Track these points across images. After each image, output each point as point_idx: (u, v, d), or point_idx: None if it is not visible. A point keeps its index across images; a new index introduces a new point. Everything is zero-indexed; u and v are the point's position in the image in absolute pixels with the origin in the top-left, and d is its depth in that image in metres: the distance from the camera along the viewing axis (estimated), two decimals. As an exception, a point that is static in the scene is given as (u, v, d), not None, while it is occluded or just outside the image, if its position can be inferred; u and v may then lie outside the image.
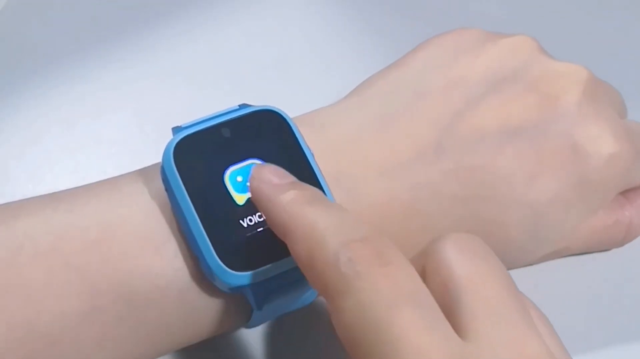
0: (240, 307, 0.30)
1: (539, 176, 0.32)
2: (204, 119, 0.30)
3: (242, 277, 0.28)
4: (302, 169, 0.29)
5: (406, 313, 0.23)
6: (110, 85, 0.42)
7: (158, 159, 0.30)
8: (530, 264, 0.36)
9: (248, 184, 0.28)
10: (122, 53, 0.43)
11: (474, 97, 0.33)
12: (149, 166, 0.31)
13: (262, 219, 0.29)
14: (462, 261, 0.25)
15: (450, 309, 0.25)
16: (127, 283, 0.28)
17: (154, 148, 0.30)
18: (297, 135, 0.30)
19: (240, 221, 0.29)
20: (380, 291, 0.23)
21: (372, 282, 0.24)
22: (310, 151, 0.30)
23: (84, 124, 0.41)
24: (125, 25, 0.44)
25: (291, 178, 0.27)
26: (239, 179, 0.29)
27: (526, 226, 0.33)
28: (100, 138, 0.40)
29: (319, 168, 0.30)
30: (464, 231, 0.32)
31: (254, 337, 0.34)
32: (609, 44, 0.45)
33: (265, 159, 0.30)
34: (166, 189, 0.29)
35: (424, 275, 0.26)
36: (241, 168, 0.29)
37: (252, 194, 0.27)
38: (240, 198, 0.29)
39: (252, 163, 0.29)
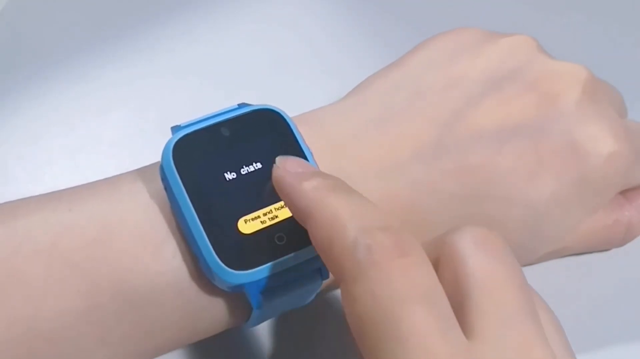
0: (240, 306, 0.30)
1: (539, 175, 0.32)
2: (203, 118, 0.30)
3: (241, 276, 0.28)
4: None
5: (418, 311, 0.23)
6: (110, 85, 0.42)
7: (158, 158, 0.30)
8: (530, 264, 0.36)
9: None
10: (121, 53, 0.43)
11: (474, 96, 0.33)
12: (148, 165, 0.31)
13: (262, 219, 0.29)
14: (477, 257, 0.25)
15: (459, 303, 0.25)
16: (126, 282, 0.28)
17: (153, 148, 0.30)
18: (296, 134, 0.30)
19: (240, 220, 0.29)
20: (394, 284, 0.23)
21: (387, 273, 0.23)
22: (309, 149, 0.30)
23: (83, 124, 0.41)
24: (125, 25, 0.44)
25: (314, 168, 0.28)
26: (233, 173, 0.29)
27: (526, 225, 0.33)
28: (100, 138, 0.40)
29: (318, 167, 0.30)
30: None
31: (253, 336, 0.34)
32: (609, 44, 0.45)
33: (264, 157, 0.30)
34: (165, 188, 0.29)
35: (437, 264, 0.26)
36: (237, 165, 0.29)
37: (275, 182, 0.27)
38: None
39: (247, 164, 0.29)
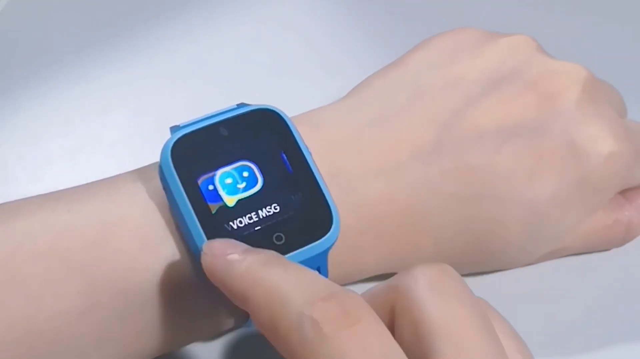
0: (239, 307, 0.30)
1: (538, 175, 0.32)
2: (202, 118, 0.30)
3: None
4: (299, 167, 0.29)
5: None
6: (110, 85, 0.42)
7: (157, 158, 0.30)
8: (530, 264, 0.36)
9: (202, 255, 0.27)
10: (121, 53, 0.43)
11: (473, 96, 0.33)
12: (147, 165, 0.31)
13: (258, 219, 0.29)
14: (434, 302, 0.24)
15: (421, 352, 0.24)
16: (125, 281, 0.28)
17: (153, 148, 0.30)
18: (295, 133, 0.30)
19: (237, 220, 0.29)
20: (349, 355, 0.22)
21: (340, 346, 0.22)
22: (308, 149, 0.30)
23: (83, 124, 0.41)
24: (125, 26, 0.44)
25: (244, 246, 0.26)
26: (229, 181, 0.29)
27: (525, 225, 0.33)
28: (100, 138, 0.40)
29: (317, 166, 0.30)
30: (459, 234, 0.32)
31: (253, 336, 0.34)
32: (609, 44, 0.45)
33: (263, 157, 0.30)
34: (164, 188, 0.29)
35: (393, 312, 0.25)
36: (231, 170, 0.29)
37: (206, 271, 0.26)
38: (230, 200, 0.29)
39: (242, 165, 0.29)
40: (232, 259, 0.25)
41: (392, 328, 0.25)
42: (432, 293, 0.24)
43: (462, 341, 0.23)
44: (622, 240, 0.37)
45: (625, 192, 0.36)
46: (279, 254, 0.26)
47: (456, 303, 0.24)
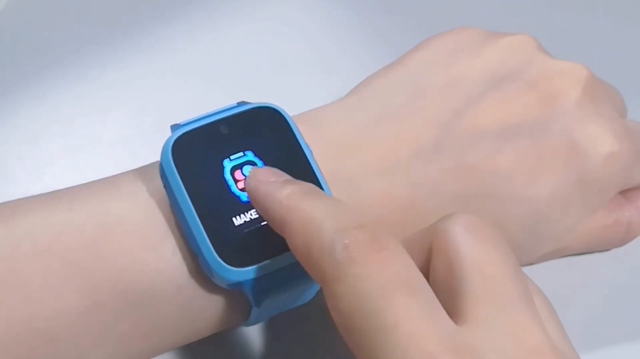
0: (239, 304, 0.30)
1: (539, 174, 0.32)
2: (202, 116, 0.30)
3: (240, 273, 0.28)
4: (300, 165, 0.29)
5: (400, 300, 0.23)
6: (110, 85, 0.42)
7: (158, 158, 0.30)
8: (530, 264, 0.36)
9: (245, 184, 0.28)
10: (122, 53, 0.43)
11: (474, 95, 0.33)
12: (148, 165, 0.31)
13: (259, 216, 0.29)
14: (470, 243, 0.25)
15: (452, 290, 0.25)
16: (126, 280, 0.28)
17: (154, 148, 0.30)
18: (295, 131, 0.30)
19: (239, 217, 0.29)
20: (375, 278, 0.24)
21: (367, 268, 0.24)
22: (308, 147, 0.30)
23: (83, 124, 0.41)
24: (125, 25, 0.44)
25: (287, 176, 0.28)
26: (230, 179, 0.29)
27: (526, 224, 0.33)
28: (100, 138, 0.40)
29: (317, 165, 0.30)
30: None
31: (253, 335, 0.34)
32: (609, 44, 0.45)
33: (263, 155, 0.30)
34: (164, 186, 0.29)
35: (430, 252, 0.26)
36: (239, 163, 0.29)
37: (249, 193, 0.28)
38: (231, 197, 0.29)
39: (244, 162, 0.29)
40: (274, 186, 0.27)
41: (427, 267, 0.26)
42: (468, 235, 0.26)
43: (491, 279, 0.25)
44: (622, 240, 0.37)
45: (625, 193, 0.36)
46: (317, 187, 0.27)
47: (489, 246, 0.25)
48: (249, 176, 0.28)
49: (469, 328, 0.24)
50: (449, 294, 0.25)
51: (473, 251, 0.25)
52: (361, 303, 0.23)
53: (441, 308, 0.24)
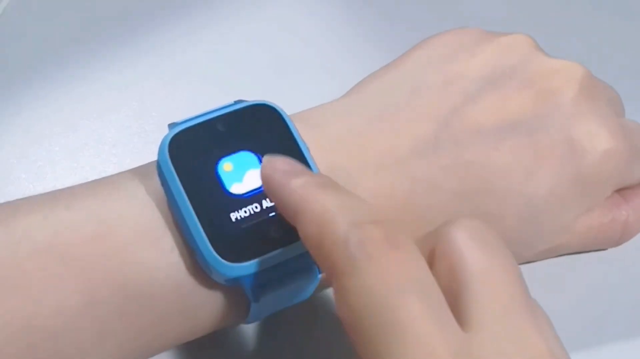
0: (239, 301, 0.30)
1: (536, 171, 0.32)
2: (200, 114, 0.30)
3: (238, 268, 0.28)
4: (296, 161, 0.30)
5: (412, 300, 0.23)
6: (112, 86, 0.42)
7: (158, 157, 0.30)
8: (527, 261, 0.36)
9: (259, 172, 0.28)
10: (123, 54, 0.43)
11: (471, 93, 0.33)
12: (146, 164, 0.31)
13: (258, 211, 0.29)
14: (474, 249, 0.25)
15: (456, 296, 0.25)
16: (125, 277, 0.28)
17: (154, 148, 0.30)
18: (292, 129, 0.30)
19: (236, 213, 0.29)
20: (388, 275, 0.24)
21: (381, 265, 0.24)
22: (305, 144, 0.30)
23: (85, 125, 0.41)
24: (127, 27, 0.44)
25: (302, 166, 0.28)
26: (226, 176, 0.29)
27: (522, 221, 0.33)
28: (102, 139, 0.40)
29: (315, 162, 0.30)
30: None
31: (252, 333, 0.34)
32: (608, 44, 0.45)
33: (260, 152, 0.30)
34: (162, 184, 0.29)
35: (432, 256, 0.26)
36: (233, 159, 0.30)
37: (263, 181, 0.27)
38: (227, 195, 0.29)
39: (241, 159, 0.30)
40: (289, 175, 0.27)
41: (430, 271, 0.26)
42: (472, 241, 0.25)
43: (494, 286, 0.25)
44: (619, 240, 0.37)
45: (622, 191, 0.36)
46: (332, 179, 0.27)
47: (493, 253, 0.25)
48: (264, 164, 0.27)
49: (473, 334, 0.24)
50: (451, 299, 0.25)
51: (477, 258, 0.25)
52: (373, 299, 0.23)
53: (450, 313, 0.24)
